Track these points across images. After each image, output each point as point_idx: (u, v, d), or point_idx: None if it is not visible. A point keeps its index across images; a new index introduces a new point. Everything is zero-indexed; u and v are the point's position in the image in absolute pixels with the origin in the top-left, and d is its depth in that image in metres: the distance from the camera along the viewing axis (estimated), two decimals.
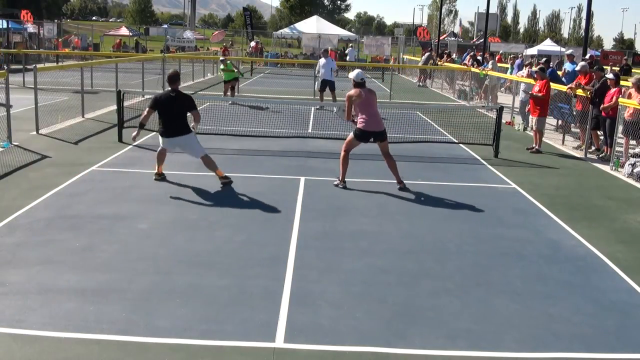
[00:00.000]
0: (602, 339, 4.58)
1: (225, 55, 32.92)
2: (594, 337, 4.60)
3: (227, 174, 8.44)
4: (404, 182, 8.62)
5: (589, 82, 12.68)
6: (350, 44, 39.07)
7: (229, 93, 18.02)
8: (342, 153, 8.61)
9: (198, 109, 8.24)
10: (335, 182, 8.63)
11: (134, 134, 8.20)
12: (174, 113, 8.04)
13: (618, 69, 18.94)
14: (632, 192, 9.38)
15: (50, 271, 5.32)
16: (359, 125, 8.48)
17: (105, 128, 12.79)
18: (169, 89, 8.23)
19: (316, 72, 17.37)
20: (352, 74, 8.63)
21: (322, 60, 17.21)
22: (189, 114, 8.16)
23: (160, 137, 8.27)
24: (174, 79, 8.17)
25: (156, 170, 8.55)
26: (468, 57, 26.39)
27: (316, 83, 17.00)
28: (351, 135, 8.62)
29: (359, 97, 8.40)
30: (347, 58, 36.69)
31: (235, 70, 18.05)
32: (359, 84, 8.49)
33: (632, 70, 18.89)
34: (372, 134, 8.49)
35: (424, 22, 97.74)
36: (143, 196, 7.79)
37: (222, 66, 18.27)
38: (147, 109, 8.14)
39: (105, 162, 9.58)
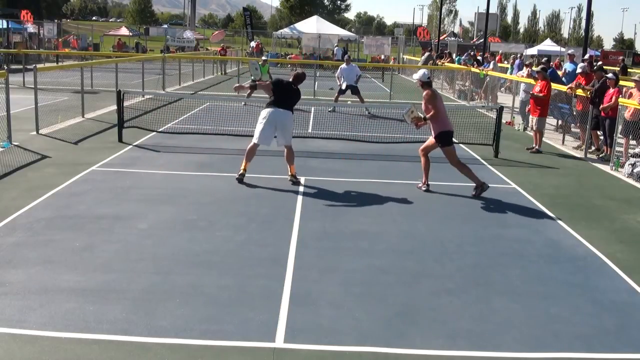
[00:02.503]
0: (602, 339, 4.58)
1: (222, 55, 33.10)
2: (594, 337, 4.60)
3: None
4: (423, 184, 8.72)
5: (588, 82, 12.68)
6: (336, 44, 38.93)
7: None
8: (458, 167, 8.53)
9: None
10: (476, 192, 8.44)
11: (244, 85, 9.14)
12: (288, 95, 8.64)
13: (618, 68, 18.96)
14: (632, 192, 9.38)
15: (50, 271, 5.32)
16: (445, 129, 8.34)
17: (105, 128, 12.78)
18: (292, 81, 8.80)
19: (337, 76, 17.37)
20: (418, 75, 8.57)
21: (343, 67, 17.18)
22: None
23: (263, 116, 8.53)
24: (301, 78, 8.82)
25: (243, 167, 8.64)
26: (468, 56, 26.37)
27: (341, 86, 16.98)
28: (450, 147, 8.42)
29: (437, 98, 8.37)
30: (335, 57, 36.70)
31: (254, 76, 17.75)
32: (428, 83, 8.46)
33: (629, 70, 18.88)
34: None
35: (424, 22, 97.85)
36: (143, 196, 7.79)
37: (261, 64, 17.94)
38: (267, 84, 8.84)
39: (105, 162, 9.58)
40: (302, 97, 8.96)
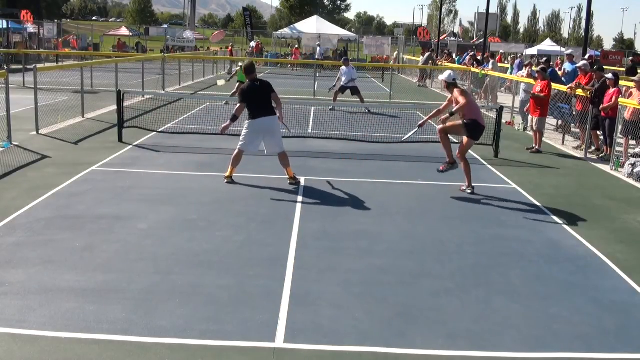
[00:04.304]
0: (602, 339, 4.58)
1: (230, 54, 33.60)
2: (594, 337, 4.60)
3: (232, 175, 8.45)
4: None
5: (588, 82, 12.68)
6: (318, 42, 38.82)
7: None
8: (462, 161, 8.51)
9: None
10: (463, 187, 8.55)
11: (225, 124, 8.51)
12: (260, 99, 8.38)
13: (625, 69, 18.91)
14: (632, 192, 9.38)
15: (50, 271, 5.32)
16: (480, 121, 8.38)
17: (105, 128, 12.78)
18: (249, 81, 8.51)
19: (337, 79, 17.97)
20: (444, 76, 8.59)
21: (343, 68, 17.67)
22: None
23: (246, 127, 8.42)
24: (250, 70, 8.54)
25: (228, 173, 8.60)
26: (468, 57, 26.38)
27: (335, 85, 17.63)
28: (467, 138, 8.46)
29: (467, 93, 8.44)
30: (317, 56, 36.52)
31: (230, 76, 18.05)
32: (453, 84, 8.51)
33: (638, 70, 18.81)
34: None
35: (424, 22, 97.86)
36: (143, 196, 7.79)
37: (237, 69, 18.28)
38: (238, 104, 8.47)
39: (105, 162, 9.58)
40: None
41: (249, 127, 8.40)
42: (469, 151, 11.65)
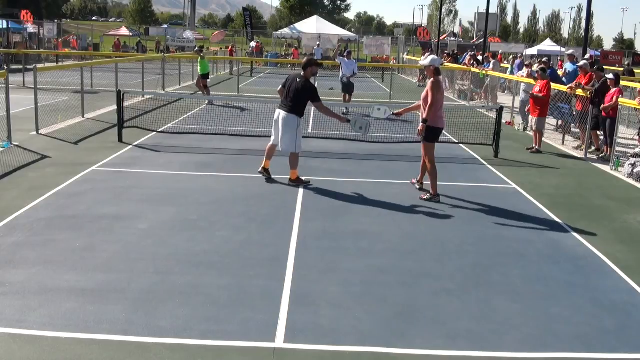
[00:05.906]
0: (602, 339, 4.58)
1: (230, 54, 33.69)
2: (594, 337, 4.60)
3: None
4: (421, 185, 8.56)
5: (589, 82, 12.68)
6: (318, 43, 38.75)
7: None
8: (429, 165, 8.00)
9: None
10: (426, 196, 8.05)
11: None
12: (289, 92, 8.49)
13: (622, 69, 18.93)
14: (632, 192, 9.38)
15: (50, 271, 5.32)
16: (434, 124, 7.83)
17: (105, 128, 12.78)
18: (302, 73, 8.58)
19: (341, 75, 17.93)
20: (427, 61, 8.01)
21: (344, 59, 17.60)
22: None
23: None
24: (304, 65, 8.58)
25: (262, 165, 8.78)
26: (468, 57, 26.36)
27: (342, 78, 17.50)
28: (426, 143, 7.95)
29: (439, 89, 7.81)
30: (316, 57, 36.54)
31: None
32: (437, 70, 7.95)
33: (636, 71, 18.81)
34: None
35: (424, 22, 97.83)
36: (143, 196, 7.78)
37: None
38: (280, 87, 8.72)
39: (105, 162, 9.57)
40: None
41: (275, 116, 8.65)
42: (469, 150, 11.73)
